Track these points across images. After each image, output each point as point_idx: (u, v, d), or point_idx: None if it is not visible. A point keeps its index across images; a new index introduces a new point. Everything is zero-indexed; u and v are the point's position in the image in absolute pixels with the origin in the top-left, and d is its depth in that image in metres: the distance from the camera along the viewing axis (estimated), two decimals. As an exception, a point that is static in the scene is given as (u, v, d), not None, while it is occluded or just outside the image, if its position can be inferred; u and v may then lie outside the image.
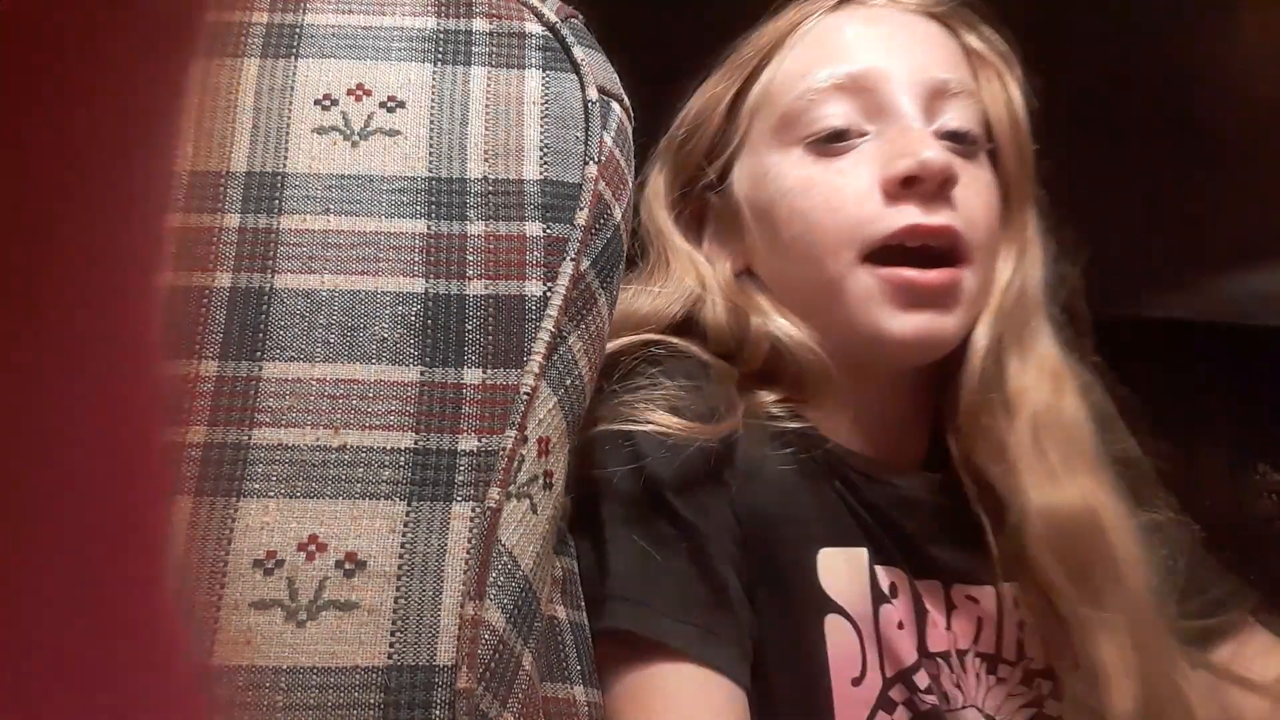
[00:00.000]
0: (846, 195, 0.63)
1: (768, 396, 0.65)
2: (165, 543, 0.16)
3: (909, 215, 0.62)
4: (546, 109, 0.59)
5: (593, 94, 0.60)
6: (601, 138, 0.59)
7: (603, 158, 0.59)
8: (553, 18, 0.62)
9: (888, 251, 0.62)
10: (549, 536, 0.53)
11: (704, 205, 0.72)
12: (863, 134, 0.64)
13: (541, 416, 0.53)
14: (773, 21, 0.71)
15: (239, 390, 0.51)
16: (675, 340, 0.66)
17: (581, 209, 0.57)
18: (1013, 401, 0.64)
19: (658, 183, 0.72)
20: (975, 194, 0.65)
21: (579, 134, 0.59)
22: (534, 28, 0.62)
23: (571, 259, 0.55)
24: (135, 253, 0.15)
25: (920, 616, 0.62)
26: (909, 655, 0.60)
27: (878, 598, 0.61)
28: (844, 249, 0.62)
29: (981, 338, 0.65)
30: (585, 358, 0.56)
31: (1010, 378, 0.65)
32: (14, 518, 0.14)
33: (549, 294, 0.55)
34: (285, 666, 0.46)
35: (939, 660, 0.62)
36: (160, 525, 0.16)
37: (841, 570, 0.61)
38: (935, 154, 0.61)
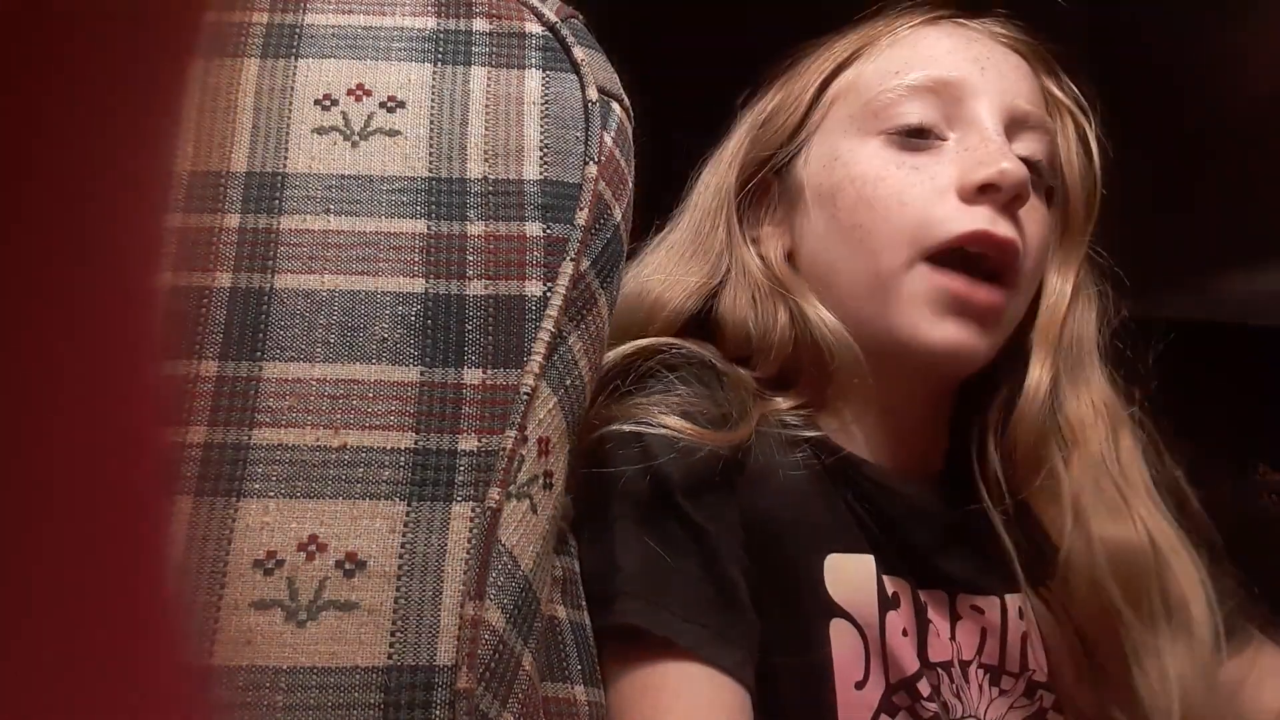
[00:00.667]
0: (919, 191, 0.64)
1: (783, 403, 0.66)
2: (165, 543, 0.16)
3: (980, 220, 0.62)
4: (546, 109, 0.59)
5: (593, 94, 0.60)
6: (601, 138, 0.59)
7: (603, 158, 0.59)
8: (553, 18, 0.62)
9: (946, 257, 0.63)
10: (549, 536, 0.53)
11: (768, 186, 0.72)
12: (943, 138, 0.65)
13: (541, 416, 0.53)
14: (869, 21, 0.72)
15: (239, 390, 0.51)
16: (690, 345, 0.66)
17: (581, 209, 0.57)
18: (1071, 438, 0.65)
19: (735, 155, 0.73)
20: (1035, 223, 0.66)
21: (579, 134, 0.59)
22: (534, 28, 0.62)
23: (571, 259, 0.55)
24: (135, 253, 0.15)
25: (922, 627, 0.63)
26: (911, 664, 0.61)
27: (884, 604, 0.61)
28: (904, 245, 0.63)
29: (1041, 375, 0.66)
30: (585, 358, 0.56)
31: (1068, 415, 0.66)
32: (13, 518, 0.14)
33: (549, 294, 0.55)
34: (285, 666, 0.46)
35: (940, 670, 0.62)
36: (160, 525, 0.16)
37: (849, 576, 0.61)
38: (1014, 166, 0.62)
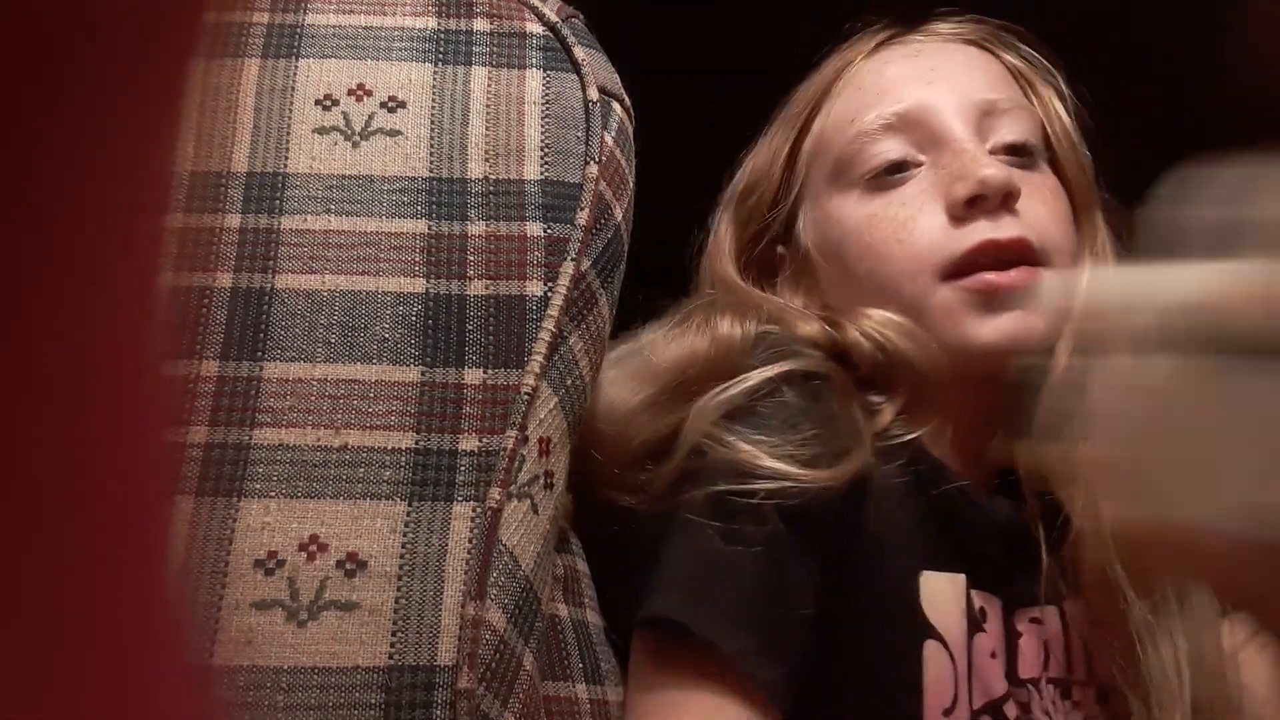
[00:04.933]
0: (912, 227, 0.63)
1: (888, 414, 0.63)
2: (166, 543, 0.16)
3: (979, 232, 0.61)
4: (547, 109, 0.59)
5: (593, 94, 0.60)
6: (602, 137, 0.59)
7: (603, 158, 0.59)
8: (553, 17, 0.62)
9: (963, 265, 0.62)
10: (550, 536, 0.53)
11: (772, 256, 0.72)
12: (918, 164, 0.64)
13: (542, 417, 0.53)
14: (817, 73, 0.72)
15: (240, 390, 0.51)
16: (814, 365, 0.63)
17: (582, 209, 0.57)
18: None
19: (723, 236, 0.72)
20: (1041, 202, 0.64)
21: (580, 134, 0.59)
22: (534, 27, 0.62)
23: (572, 259, 0.55)
24: (135, 253, 0.15)
25: (1011, 644, 0.61)
26: (999, 686, 0.59)
27: (973, 625, 0.59)
28: (919, 273, 0.62)
29: (1060, 351, 0.61)
30: (586, 357, 0.56)
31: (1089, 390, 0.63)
32: (13, 518, 0.14)
33: (550, 294, 0.55)
34: (286, 666, 0.46)
35: (1029, 688, 0.60)
36: (160, 525, 0.16)
37: (942, 595, 0.59)
38: (993, 170, 0.61)
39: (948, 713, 0.57)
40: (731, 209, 0.73)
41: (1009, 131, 0.65)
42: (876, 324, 0.63)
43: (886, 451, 0.61)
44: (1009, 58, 0.70)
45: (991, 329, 0.61)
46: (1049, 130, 0.68)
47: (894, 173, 0.64)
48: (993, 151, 0.64)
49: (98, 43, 0.14)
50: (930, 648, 0.57)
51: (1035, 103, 0.69)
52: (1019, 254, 0.62)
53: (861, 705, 0.57)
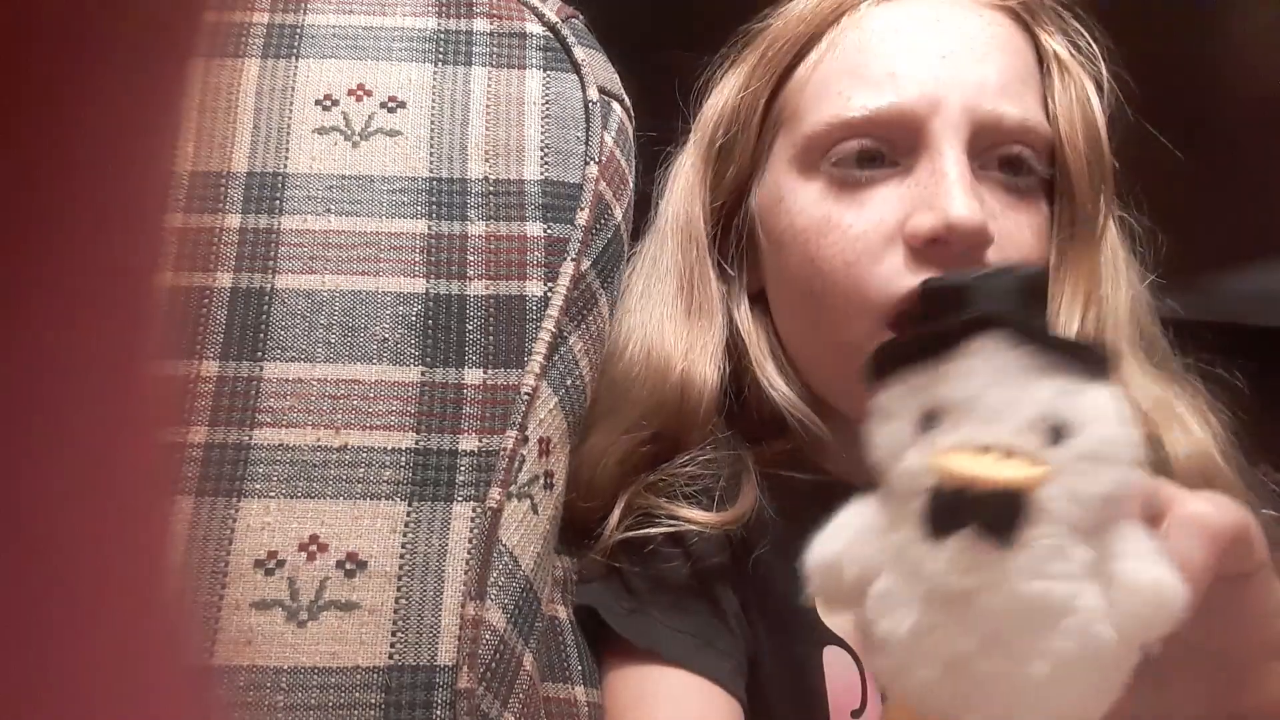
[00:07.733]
0: (862, 247, 0.55)
1: (784, 446, 0.61)
2: (166, 543, 0.16)
3: (928, 275, 0.52)
4: (547, 109, 0.59)
5: (593, 94, 0.60)
6: (602, 137, 0.59)
7: (603, 158, 0.59)
8: (553, 18, 0.62)
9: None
10: (550, 536, 0.53)
11: (732, 216, 0.64)
12: (894, 164, 0.56)
13: (542, 417, 0.53)
14: (807, 5, 0.61)
15: (240, 390, 0.51)
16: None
17: (582, 209, 0.57)
18: None
19: (694, 185, 0.63)
20: (1016, 247, 0.55)
21: (579, 134, 0.59)
22: (534, 28, 0.62)
23: (572, 259, 0.55)
24: (135, 253, 0.16)
25: None
26: None
27: None
28: (861, 315, 0.55)
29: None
30: (586, 358, 0.56)
31: None
32: (13, 518, 0.14)
33: (550, 294, 0.55)
34: (286, 666, 0.46)
35: None
36: (160, 525, 0.16)
37: None
38: (966, 213, 0.52)
39: (857, 714, 0.57)
40: (708, 149, 0.63)
41: (1008, 148, 0.57)
42: (778, 393, 0.60)
43: (782, 487, 0.60)
44: (1047, 40, 0.60)
45: None
46: (1064, 135, 0.58)
47: (864, 165, 0.56)
48: (984, 166, 0.56)
49: (98, 42, 0.14)
50: (830, 652, 0.57)
51: (1058, 97, 0.59)
52: None
53: (775, 708, 0.58)
